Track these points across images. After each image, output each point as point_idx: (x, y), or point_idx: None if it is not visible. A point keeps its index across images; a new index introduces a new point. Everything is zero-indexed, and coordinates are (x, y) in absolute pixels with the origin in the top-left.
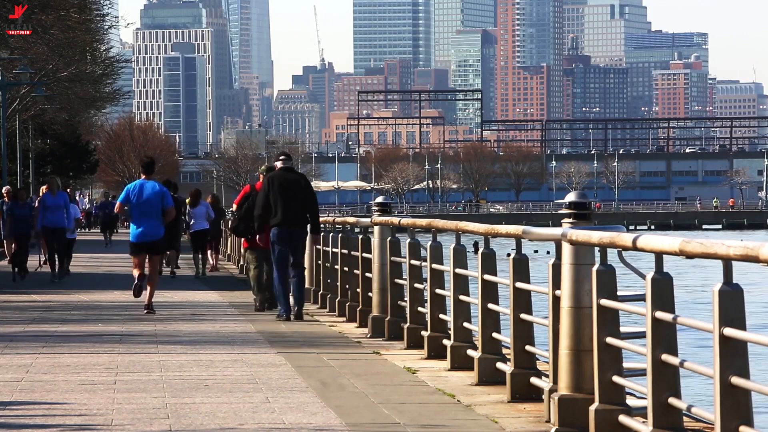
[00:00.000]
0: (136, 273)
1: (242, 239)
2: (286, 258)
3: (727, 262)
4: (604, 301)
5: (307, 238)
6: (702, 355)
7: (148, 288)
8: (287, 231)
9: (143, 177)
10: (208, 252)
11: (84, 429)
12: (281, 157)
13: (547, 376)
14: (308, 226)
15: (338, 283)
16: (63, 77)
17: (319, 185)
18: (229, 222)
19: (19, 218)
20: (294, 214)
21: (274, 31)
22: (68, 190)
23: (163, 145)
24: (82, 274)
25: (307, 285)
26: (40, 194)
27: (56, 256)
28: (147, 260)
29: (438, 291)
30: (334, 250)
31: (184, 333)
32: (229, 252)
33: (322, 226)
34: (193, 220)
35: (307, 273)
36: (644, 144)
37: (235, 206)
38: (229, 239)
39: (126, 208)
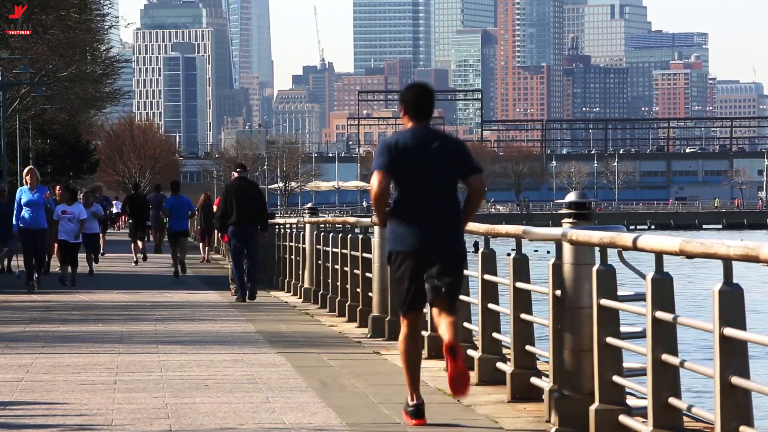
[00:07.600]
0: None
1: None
2: (240, 251)
3: (727, 262)
4: (604, 301)
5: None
6: (702, 355)
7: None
8: (241, 228)
9: (171, 193)
10: (200, 246)
11: (84, 429)
12: (237, 169)
13: (547, 376)
14: (259, 224)
15: (338, 283)
16: (63, 77)
17: (320, 185)
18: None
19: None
20: (247, 215)
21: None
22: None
23: (163, 145)
24: (82, 274)
25: (307, 285)
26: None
27: (33, 261)
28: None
29: None
30: (334, 250)
31: (184, 333)
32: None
33: (322, 226)
34: None
35: (306, 273)
36: (644, 144)
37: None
38: None
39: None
